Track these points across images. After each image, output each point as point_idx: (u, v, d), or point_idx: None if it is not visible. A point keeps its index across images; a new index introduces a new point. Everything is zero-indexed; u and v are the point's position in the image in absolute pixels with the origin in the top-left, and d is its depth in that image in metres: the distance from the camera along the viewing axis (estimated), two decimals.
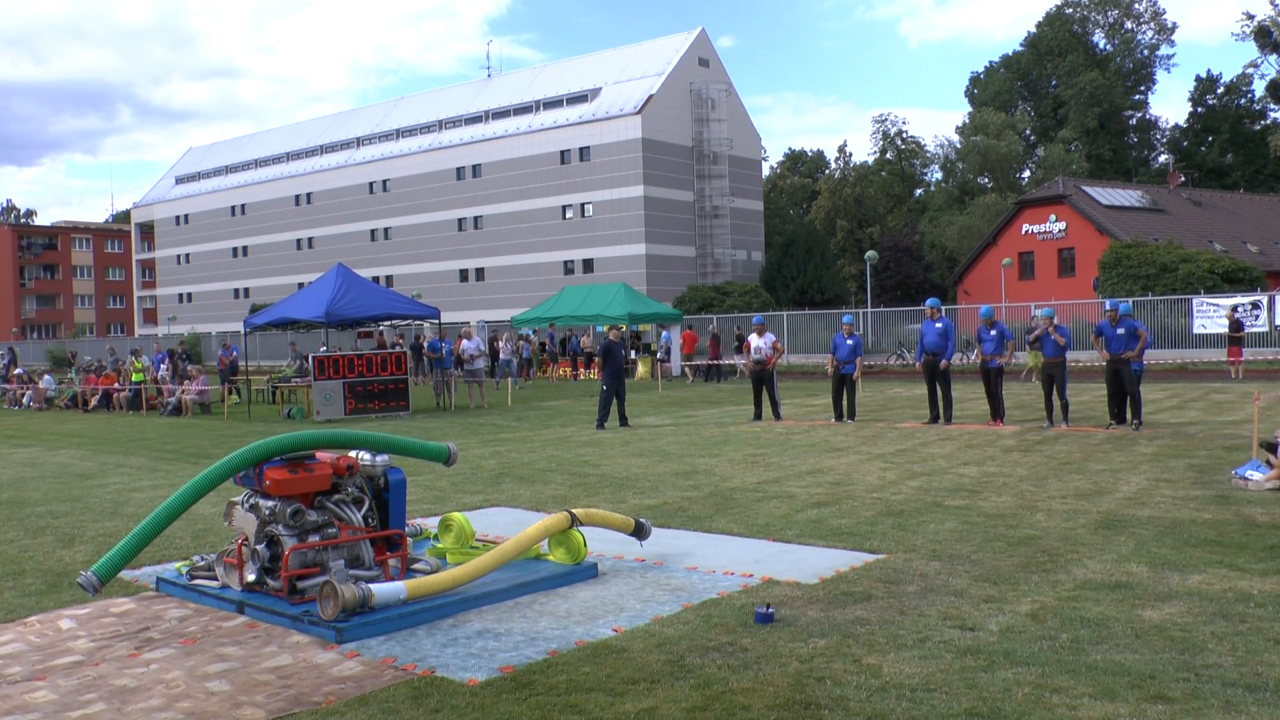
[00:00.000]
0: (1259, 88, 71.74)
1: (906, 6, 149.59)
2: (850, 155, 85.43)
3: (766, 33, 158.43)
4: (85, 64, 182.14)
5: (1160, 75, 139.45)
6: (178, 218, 79.67)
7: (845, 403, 17.28)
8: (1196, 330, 32.11)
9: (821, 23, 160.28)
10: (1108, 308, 15.21)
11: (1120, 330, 14.73)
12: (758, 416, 17.94)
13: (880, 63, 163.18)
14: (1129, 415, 14.86)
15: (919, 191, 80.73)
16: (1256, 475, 9.73)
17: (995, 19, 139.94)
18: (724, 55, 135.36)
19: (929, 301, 16.90)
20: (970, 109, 76.32)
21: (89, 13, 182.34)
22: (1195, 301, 32.43)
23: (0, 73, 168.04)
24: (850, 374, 17.19)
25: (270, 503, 6.32)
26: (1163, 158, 75.59)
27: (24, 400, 29.64)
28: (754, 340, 17.99)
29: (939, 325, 16.30)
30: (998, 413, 15.92)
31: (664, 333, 35.96)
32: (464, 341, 23.79)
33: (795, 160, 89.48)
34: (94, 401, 27.25)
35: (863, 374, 19.36)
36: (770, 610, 5.73)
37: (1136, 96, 76.94)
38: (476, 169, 60.19)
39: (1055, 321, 15.29)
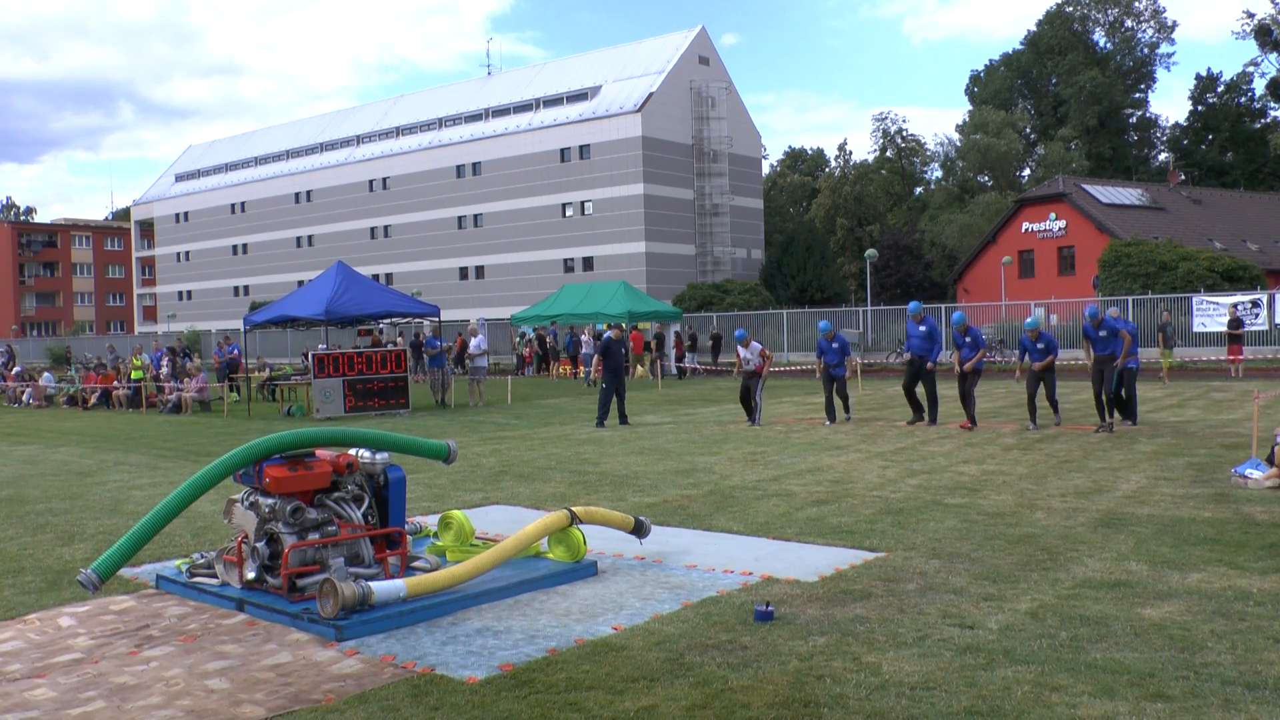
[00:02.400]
0: (1259, 86, 71.87)
1: (910, 4, 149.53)
2: (850, 153, 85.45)
3: (770, 31, 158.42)
4: (87, 61, 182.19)
5: (1160, 74, 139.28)
6: (178, 215, 79.62)
7: (838, 403, 17.28)
8: (1196, 329, 32.12)
9: (825, 20, 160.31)
10: (1086, 315, 15.21)
11: (1102, 333, 14.83)
12: (751, 421, 17.91)
13: (883, 61, 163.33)
14: (1115, 414, 14.91)
15: (919, 190, 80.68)
16: (1256, 474, 9.74)
17: (997, 17, 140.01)
18: (727, 53, 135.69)
19: (910, 306, 16.77)
20: (970, 107, 76.28)
21: (91, 9, 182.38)
22: (1195, 300, 32.44)
23: (2, 69, 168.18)
24: (842, 375, 17.23)
25: (270, 500, 6.32)
26: (1163, 156, 75.55)
27: (24, 398, 29.66)
28: (741, 352, 17.97)
29: (923, 329, 16.32)
30: (969, 415, 15.83)
31: (584, 333, 34.87)
32: (471, 339, 23.76)
33: (795, 158, 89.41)
34: (93, 399, 27.27)
35: (858, 373, 19.33)
36: (770, 608, 5.73)
37: (1136, 95, 76.90)
38: (476, 167, 60.15)
39: (1040, 329, 15.29)
